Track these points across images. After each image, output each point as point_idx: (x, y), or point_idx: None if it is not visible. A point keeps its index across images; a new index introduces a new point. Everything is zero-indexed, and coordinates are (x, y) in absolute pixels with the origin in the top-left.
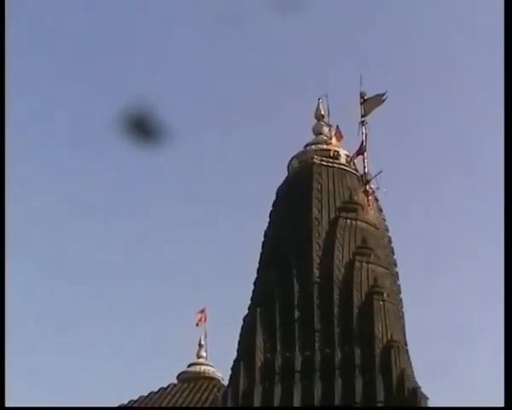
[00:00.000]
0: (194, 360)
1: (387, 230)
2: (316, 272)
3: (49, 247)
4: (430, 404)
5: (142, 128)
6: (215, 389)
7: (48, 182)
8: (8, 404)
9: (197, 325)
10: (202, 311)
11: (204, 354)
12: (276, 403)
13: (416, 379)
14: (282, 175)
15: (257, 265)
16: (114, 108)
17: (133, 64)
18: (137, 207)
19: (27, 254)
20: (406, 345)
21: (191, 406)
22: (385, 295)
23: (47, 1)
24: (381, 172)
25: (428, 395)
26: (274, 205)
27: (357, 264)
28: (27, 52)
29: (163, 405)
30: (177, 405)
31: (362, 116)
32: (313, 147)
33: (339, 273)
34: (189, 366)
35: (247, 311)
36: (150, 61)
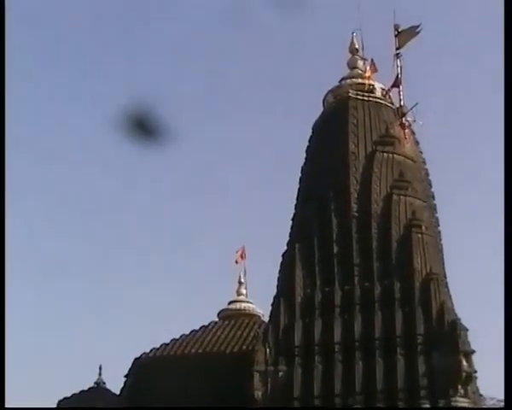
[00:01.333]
0: (235, 297)
1: (424, 162)
2: (354, 206)
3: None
4: (470, 336)
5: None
6: (255, 326)
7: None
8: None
9: (237, 262)
10: (242, 249)
11: (244, 291)
12: (317, 338)
13: (456, 311)
14: (317, 110)
15: (295, 201)
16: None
17: (134, 63)
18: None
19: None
20: (445, 278)
21: (233, 341)
22: (423, 227)
23: (48, 1)
24: (416, 104)
25: (468, 327)
26: (310, 140)
27: (394, 197)
28: (27, 52)
29: (205, 342)
30: (219, 342)
31: (396, 49)
32: (348, 81)
33: (377, 207)
34: (230, 303)
35: (285, 247)
36: (151, 61)
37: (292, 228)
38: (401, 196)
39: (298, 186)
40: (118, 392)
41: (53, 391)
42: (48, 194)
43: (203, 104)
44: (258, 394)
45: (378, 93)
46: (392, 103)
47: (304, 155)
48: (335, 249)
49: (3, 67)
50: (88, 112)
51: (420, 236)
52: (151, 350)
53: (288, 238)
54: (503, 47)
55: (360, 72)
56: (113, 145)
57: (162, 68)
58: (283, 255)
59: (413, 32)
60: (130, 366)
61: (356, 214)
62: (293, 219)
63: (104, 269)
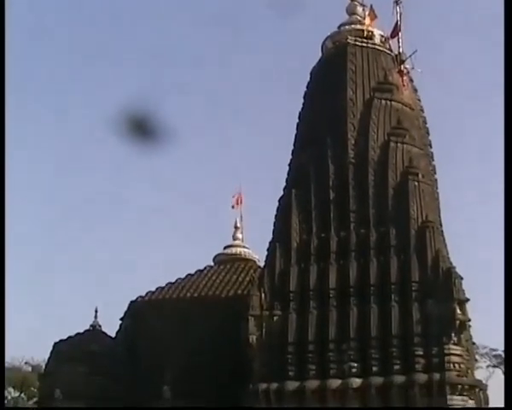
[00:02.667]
0: (231, 242)
1: (422, 110)
2: (350, 153)
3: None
4: (464, 285)
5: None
6: (251, 271)
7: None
8: None
9: (233, 207)
10: (238, 194)
11: (240, 236)
12: (312, 283)
13: (451, 260)
14: (316, 56)
15: (292, 147)
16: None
17: (134, 64)
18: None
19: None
20: (441, 226)
21: (228, 286)
22: (420, 175)
23: (49, 1)
24: (415, 51)
25: (463, 276)
26: (308, 86)
27: (392, 145)
28: (27, 52)
29: (200, 286)
30: (214, 286)
31: None
32: (347, 27)
33: (374, 154)
34: (226, 248)
35: (282, 193)
36: (150, 62)
37: (289, 174)
38: (398, 144)
39: (295, 132)
40: (113, 335)
41: (49, 334)
42: None
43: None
44: (253, 338)
45: (377, 40)
46: (391, 50)
47: (301, 100)
48: (332, 195)
49: (3, 66)
50: (87, 111)
51: (416, 183)
52: (147, 294)
53: (284, 184)
54: None
55: (359, 18)
56: None
57: (162, 68)
58: (280, 201)
59: None
60: (125, 309)
61: (353, 161)
62: (289, 165)
63: (102, 213)
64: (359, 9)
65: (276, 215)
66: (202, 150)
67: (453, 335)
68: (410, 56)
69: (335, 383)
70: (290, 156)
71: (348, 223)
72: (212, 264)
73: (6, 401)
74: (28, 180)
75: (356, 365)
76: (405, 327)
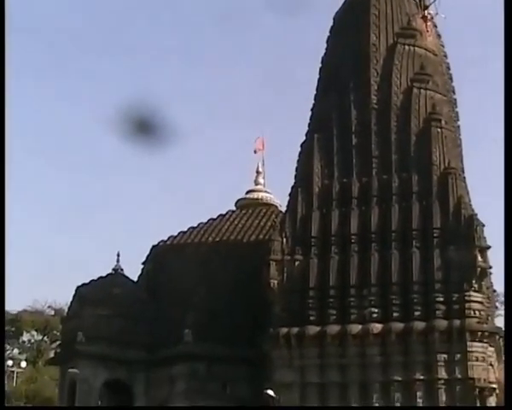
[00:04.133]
0: (253, 187)
1: (446, 56)
2: (373, 98)
3: None
4: (486, 232)
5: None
6: (273, 216)
7: None
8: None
9: (255, 152)
10: (260, 139)
11: (262, 180)
12: (334, 229)
13: (473, 207)
14: (339, 1)
15: (314, 92)
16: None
17: (135, 64)
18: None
19: None
20: (463, 173)
21: (250, 230)
22: (443, 122)
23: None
24: None
25: (484, 223)
26: (331, 31)
27: (415, 90)
28: (28, 52)
29: (222, 230)
30: (236, 230)
31: None
32: None
33: (396, 100)
34: (247, 192)
35: (304, 138)
36: (151, 60)
37: (311, 119)
38: (421, 90)
39: (318, 77)
40: (135, 279)
41: (72, 278)
42: None
43: None
44: (274, 282)
45: None
46: None
47: (325, 45)
48: (354, 141)
49: (3, 66)
50: (88, 111)
51: (439, 130)
52: (169, 238)
53: (306, 129)
54: None
55: None
56: None
57: (163, 68)
58: (302, 146)
59: None
60: (147, 253)
61: (375, 106)
62: (312, 110)
63: (123, 157)
64: None
65: (298, 160)
66: (225, 96)
67: (474, 282)
68: (434, 2)
69: (356, 328)
70: (313, 101)
71: (370, 168)
72: (234, 209)
73: (30, 345)
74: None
75: (376, 310)
76: (426, 273)
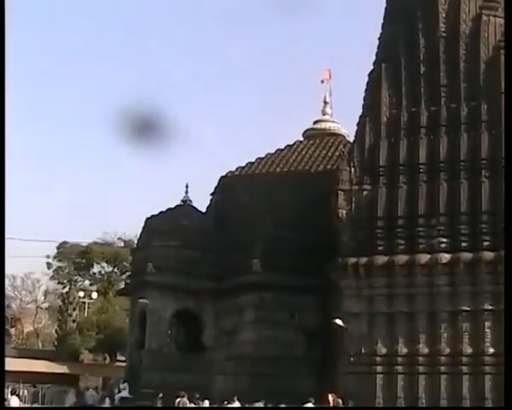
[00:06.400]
0: (320, 117)
1: None
2: (441, 26)
3: None
4: None
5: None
6: (340, 146)
7: None
8: None
9: (322, 82)
10: (327, 68)
11: (329, 111)
12: (402, 158)
13: None
14: None
15: (382, 20)
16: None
17: (136, 64)
18: None
19: None
20: None
21: (318, 160)
22: None
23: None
24: None
25: None
26: None
27: (484, 18)
28: (28, 52)
29: (290, 161)
30: (304, 161)
31: None
32: None
33: (465, 27)
34: (315, 123)
35: (371, 67)
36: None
37: (378, 47)
38: (490, 17)
39: (385, 5)
40: (204, 210)
41: (142, 209)
42: None
43: None
44: (342, 212)
45: None
46: None
47: None
48: (422, 69)
49: (3, 65)
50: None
51: None
52: (237, 168)
53: (374, 58)
54: None
55: None
56: None
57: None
58: (369, 75)
59: None
60: (216, 184)
61: (444, 34)
62: (379, 39)
63: (197, 90)
64: None
65: (365, 89)
66: (292, 27)
67: None
68: None
69: (424, 257)
70: (380, 30)
71: (439, 97)
72: (301, 139)
73: (100, 276)
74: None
75: (445, 240)
76: (495, 203)
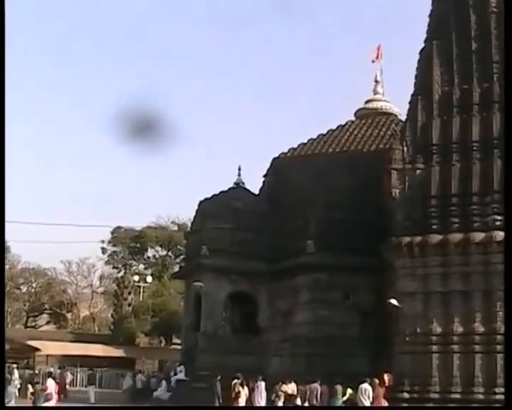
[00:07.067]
0: (371, 96)
1: None
2: (492, 1)
3: None
4: None
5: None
6: (392, 125)
7: None
8: None
9: (373, 61)
10: (378, 47)
11: (380, 90)
12: (455, 136)
13: None
14: None
15: None
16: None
17: (137, 63)
18: None
19: None
20: None
21: (370, 140)
22: None
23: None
24: None
25: None
26: None
27: None
28: (28, 52)
29: (342, 141)
30: (356, 141)
31: None
32: None
33: None
34: (367, 102)
35: (422, 45)
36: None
37: (429, 25)
38: None
39: None
40: (256, 192)
41: (195, 192)
42: None
43: None
44: (396, 192)
45: None
46: None
47: None
48: (474, 46)
49: (3, 63)
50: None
51: None
52: (289, 150)
53: (424, 36)
54: None
55: None
56: None
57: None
58: (420, 53)
59: None
60: (268, 166)
61: (495, 10)
62: (430, 16)
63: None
64: None
65: (416, 68)
66: (343, 7)
67: None
68: None
69: (479, 236)
70: (430, 7)
71: (491, 74)
72: (353, 119)
73: (154, 260)
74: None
75: (499, 218)
76: None
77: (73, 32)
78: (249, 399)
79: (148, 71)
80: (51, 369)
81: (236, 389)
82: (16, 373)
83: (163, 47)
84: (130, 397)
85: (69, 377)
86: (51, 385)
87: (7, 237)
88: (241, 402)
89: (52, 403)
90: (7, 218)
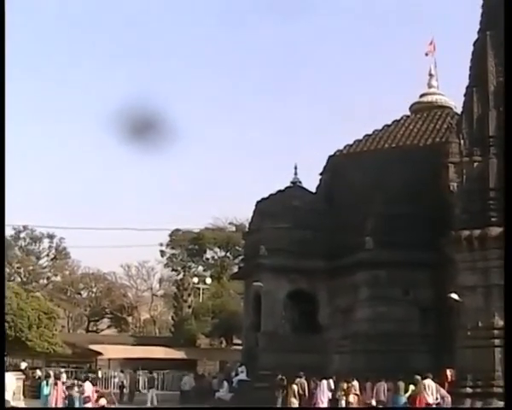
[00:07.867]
0: (426, 90)
1: None
2: None
3: None
4: None
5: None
6: (448, 118)
7: None
8: None
9: (427, 55)
10: (431, 41)
11: (435, 83)
12: None
13: None
14: None
15: None
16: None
17: (138, 63)
18: None
19: None
20: None
21: (426, 134)
22: None
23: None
24: None
25: None
26: None
27: None
28: (28, 53)
29: (398, 136)
30: (412, 135)
31: None
32: None
33: None
34: (421, 96)
35: (476, 36)
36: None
37: (482, 16)
38: None
39: None
40: (313, 190)
41: (251, 192)
42: None
43: None
44: (454, 185)
45: None
46: None
47: None
48: None
49: (3, 63)
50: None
51: None
52: (345, 147)
53: (478, 27)
54: None
55: None
56: None
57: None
58: (474, 45)
59: None
60: (324, 164)
61: None
62: (482, 7)
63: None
64: None
65: (471, 59)
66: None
67: None
68: None
69: None
70: None
71: None
72: (408, 113)
73: (213, 261)
74: None
75: None
76: None
77: (73, 32)
78: (312, 397)
79: (161, 68)
80: (114, 373)
81: (300, 388)
82: (64, 377)
83: (163, 47)
84: (192, 398)
85: (127, 381)
86: (88, 388)
87: (67, 243)
88: (304, 401)
89: (89, 406)
90: (67, 224)
